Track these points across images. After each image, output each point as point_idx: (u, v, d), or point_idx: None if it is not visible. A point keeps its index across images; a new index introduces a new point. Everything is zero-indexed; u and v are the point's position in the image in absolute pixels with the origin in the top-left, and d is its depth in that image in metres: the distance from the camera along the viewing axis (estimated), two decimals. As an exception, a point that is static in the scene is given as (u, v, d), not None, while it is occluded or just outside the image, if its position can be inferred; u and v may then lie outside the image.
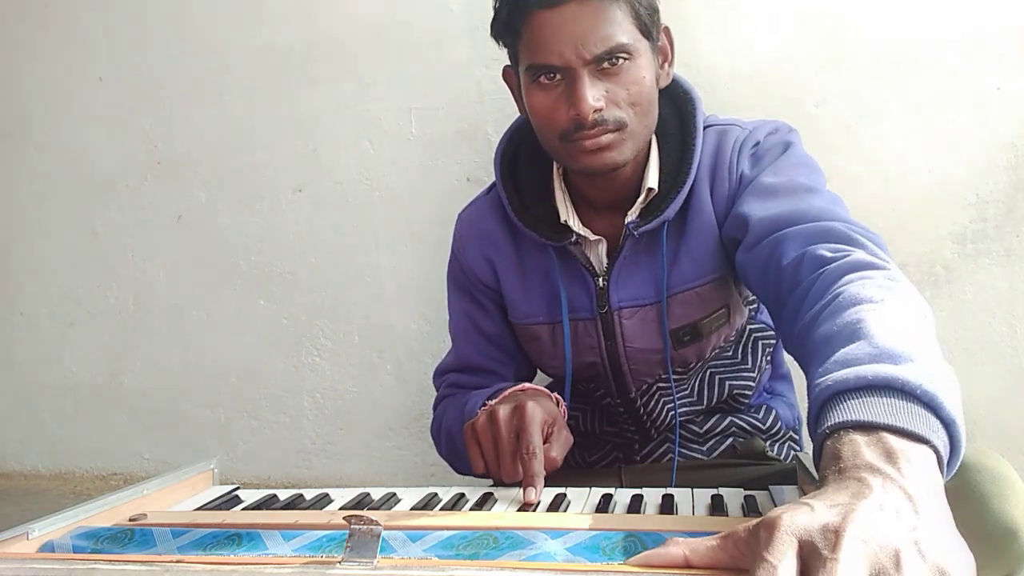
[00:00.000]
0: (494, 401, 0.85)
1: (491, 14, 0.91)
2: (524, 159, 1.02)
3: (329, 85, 1.67)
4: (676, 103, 0.98)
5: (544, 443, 0.78)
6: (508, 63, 0.96)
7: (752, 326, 1.06)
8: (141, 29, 1.81)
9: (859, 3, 1.37)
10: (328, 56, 1.67)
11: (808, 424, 0.58)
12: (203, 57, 1.76)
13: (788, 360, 1.16)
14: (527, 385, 0.91)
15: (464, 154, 1.59)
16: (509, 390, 0.89)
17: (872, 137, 1.38)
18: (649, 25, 0.87)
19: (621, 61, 0.85)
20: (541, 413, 0.80)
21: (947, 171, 1.36)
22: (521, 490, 0.74)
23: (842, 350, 0.58)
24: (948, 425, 0.51)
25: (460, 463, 1.03)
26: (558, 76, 0.86)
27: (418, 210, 1.64)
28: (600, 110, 0.85)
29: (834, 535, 0.40)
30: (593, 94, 0.84)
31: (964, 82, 1.33)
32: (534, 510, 0.71)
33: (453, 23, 1.57)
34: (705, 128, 0.95)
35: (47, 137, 1.90)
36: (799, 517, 0.42)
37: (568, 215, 0.97)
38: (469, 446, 0.81)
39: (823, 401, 0.55)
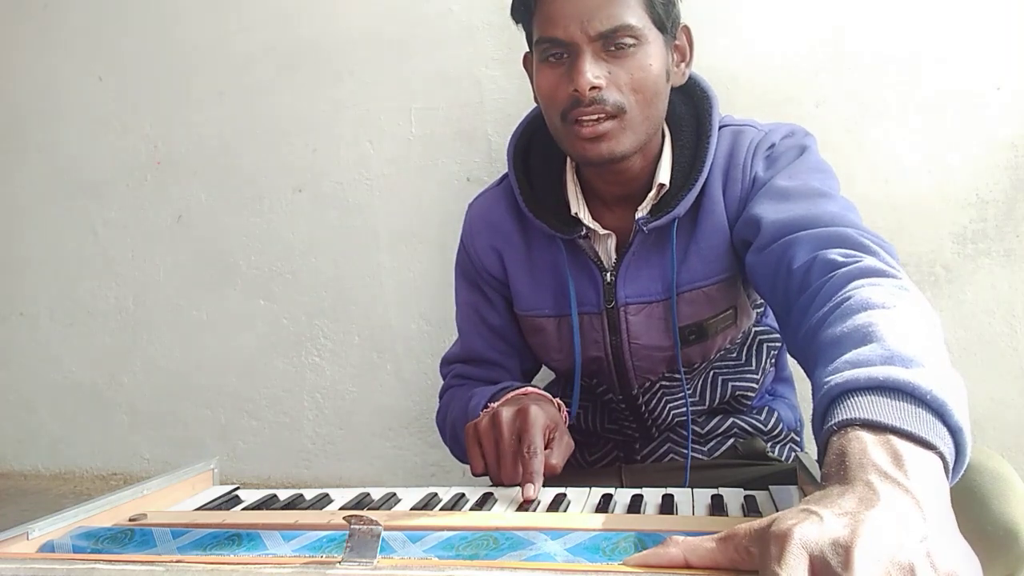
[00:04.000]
0: (497, 403, 0.85)
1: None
2: (537, 150, 1.03)
3: (329, 85, 1.67)
4: (693, 101, 0.98)
5: (545, 448, 0.79)
6: (526, 51, 0.97)
7: (757, 329, 1.06)
8: (141, 29, 1.81)
9: (859, 3, 1.37)
10: (328, 56, 1.67)
11: (813, 421, 0.58)
12: (203, 57, 1.76)
13: (791, 363, 1.16)
14: (531, 389, 0.91)
15: (464, 154, 1.59)
16: (513, 392, 0.89)
17: (872, 137, 1.38)
18: (663, 17, 0.87)
19: (628, 47, 0.85)
20: (544, 417, 0.80)
21: (947, 171, 1.35)
22: (520, 490, 0.74)
23: (853, 351, 0.58)
24: (955, 433, 0.51)
25: (462, 454, 1.03)
26: (564, 55, 0.86)
27: (418, 210, 1.63)
28: (599, 88, 0.85)
29: (845, 552, 0.39)
30: (593, 71, 0.84)
31: (964, 82, 1.33)
32: (533, 509, 0.71)
33: (453, 23, 1.56)
34: (720, 128, 0.95)
35: (47, 137, 1.90)
36: (810, 530, 0.41)
37: (579, 207, 0.97)
38: (470, 446, 0.82)
39: (832, 398, 0.55)
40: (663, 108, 0.92)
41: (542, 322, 1.04)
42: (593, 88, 0.84)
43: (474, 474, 0.82)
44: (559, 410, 0.89)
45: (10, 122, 1.93)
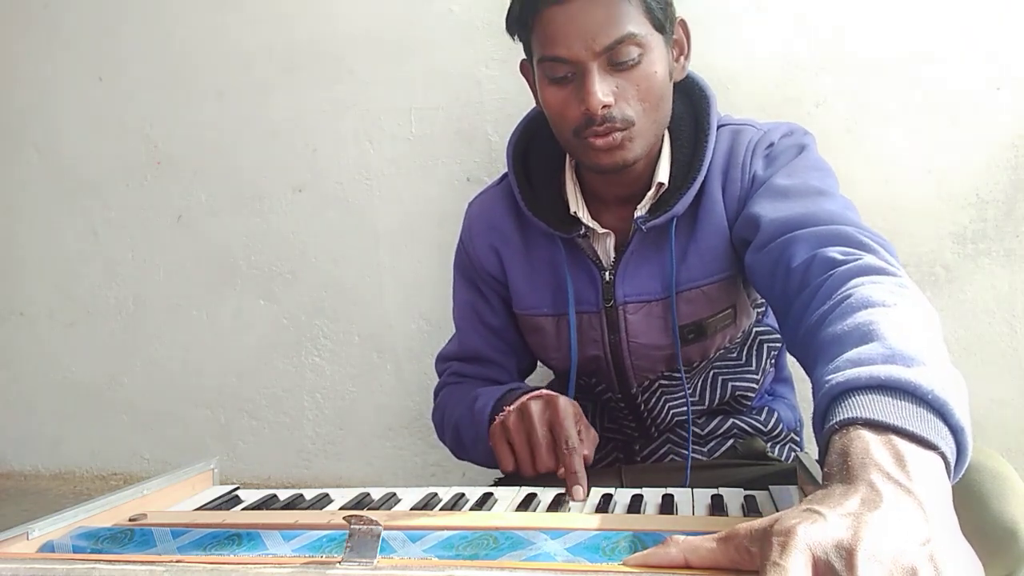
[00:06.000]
0: (515, 405, 0.84)
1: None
2: (536, 150, 1.03)
3: (329, 85, 1.67)
4: (691, 100, 0.98)
5: None
6: (524, 57, 0.96)
7: (758, 328, 1.06)
8: (141, 29, 1.81)
9: (859, 4, 1.37)
10: (328, 56, 1.67)
11: (813, 421, 0.58)
12: (203, 57, 1.76)
13: (790, 363, 1.16)
14: (543, 391, 0.90)
15: (464, 154, 1.59)
16: (528, 395, 0.88)
17: (872, 137, 1.38)
18: (662, 18, 0.87)
19: (631, 61, 0.85)
20: (573, 408, 0.80)
21: (947, 171, 1.35)
22: (564, 489, 0.74)
23: (854, 349, 0.58)
24: (956, 432, 0.50)
25: (463, 451, 1.03)
26: (570, 74, 0.86)
27: (418, 210, 1.63)
28: (609, 106, 0.85)
29: (848, 554, 0.39)
30: (603, 89, 0.84)
31: (964, 82, 1.33)
32: (533, 509, 0.71)
33: (453, 23, 1.56)
34: (719, 127, 0.96)
35: (47, 137, 1.90)
36: (813, 529, 0.41)
37: (578, 207, 0.97)
38: (498, 444, 0.82)
39: (833, 396, 0.54)
40: (669, 108, 0.93)
41: (540, 321, 1.04)
42: (604, 107, 0.84)
43: (504, 472, 0.82)
44: None
45: (10, 122, 1.93)
